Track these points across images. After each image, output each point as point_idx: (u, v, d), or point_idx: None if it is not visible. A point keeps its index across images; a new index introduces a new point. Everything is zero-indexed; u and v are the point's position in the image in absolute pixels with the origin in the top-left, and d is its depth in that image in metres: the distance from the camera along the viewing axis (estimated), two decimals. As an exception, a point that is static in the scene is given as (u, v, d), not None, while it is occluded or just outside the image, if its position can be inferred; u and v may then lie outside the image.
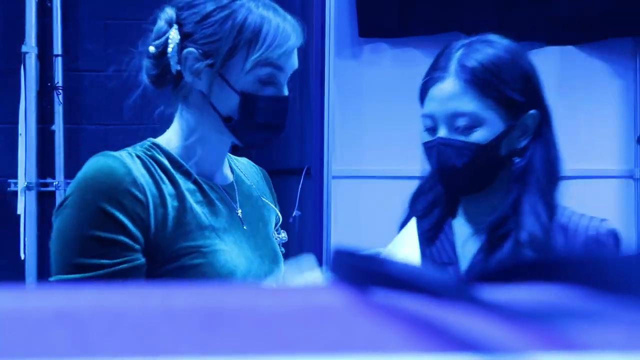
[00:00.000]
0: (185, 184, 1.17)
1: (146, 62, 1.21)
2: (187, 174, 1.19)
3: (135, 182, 1.11)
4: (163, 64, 1.19)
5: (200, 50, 1.16)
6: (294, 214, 3.14)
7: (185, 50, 1.17)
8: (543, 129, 1.18)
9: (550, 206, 1.16)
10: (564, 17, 3.65)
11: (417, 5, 3.54)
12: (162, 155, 1.18)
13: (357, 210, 3.39)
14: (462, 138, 1.13)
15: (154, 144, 1.20)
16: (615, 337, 0.29)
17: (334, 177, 3.12)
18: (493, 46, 1.14)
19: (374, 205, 3.27)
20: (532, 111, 1.16)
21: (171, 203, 1.14)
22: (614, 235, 1.15)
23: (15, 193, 2.87)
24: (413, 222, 1.18)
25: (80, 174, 1.12)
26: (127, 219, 1.09)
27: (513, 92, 1.13)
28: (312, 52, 3.03)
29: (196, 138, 1.21)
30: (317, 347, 0.29)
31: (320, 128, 3.06)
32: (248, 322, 0.30)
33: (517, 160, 1.17)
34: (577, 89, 3.83)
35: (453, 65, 1.13)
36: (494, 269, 0.32)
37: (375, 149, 3.51)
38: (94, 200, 1.09)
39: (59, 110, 2.90)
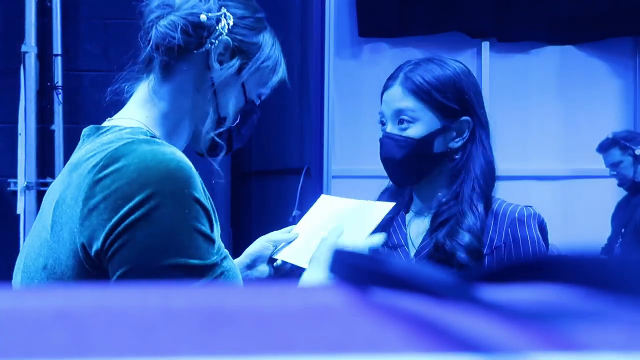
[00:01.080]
0: None
1: (175, 19, 1.09)
2: None
3: (197, 174, 1.01)
4: (197, 36, 1.10)
5: (235, 45, 1.12)
6: (293, 213, 3.14)
7: (223, 37, 1.11)
8: (478, 134, 1.38)
9: (485, 197, 1.36)
10: (564, 17, 3.65)
11: (417, 5, 3.54)
12: None
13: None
14: (401, 133, 1.36)
15: (152, 134, 1.09)
16: (615, 337, 0.29)
17: (333, 177, 3.12)
18: (437, 64, 1.38)
19: (373, 205, 3.27)
20: (465, 117, 1.36)
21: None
22: (537, 218, 1.35)
23: (15, 193, 2.87)
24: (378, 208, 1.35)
25: (155, 163, 0.96)
26: (210, 211, 1.01)
27: (447, 100, 1.35)
28: (312, 52, 3.03)
29: (173, 126, 1.13)
30: (317, 347, 0.29)
31: (320, 128, 3.06)
32: (248, 322, 0.30)
33: (456, 157, 1.38)
34: (577, 89, 3.83)
35: (400, 76, 1.37)
36: (494, 269, 0.32)
37: (374, 148, 3.50)
38: (191, 194, 0.97)
39: (58, 110, 2.90)
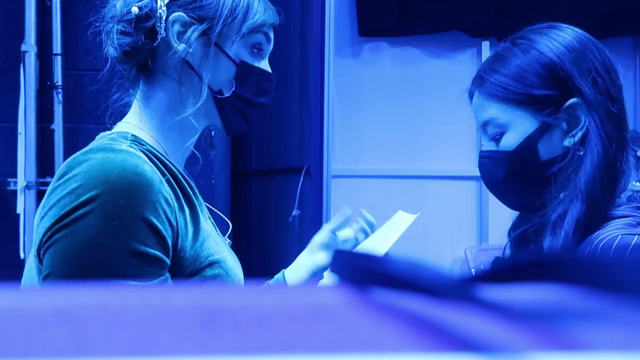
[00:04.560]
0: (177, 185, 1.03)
1: (119, 27, 1.05)
2: (172, 172, 1.03)
3: (161, 182, 0.96)
4: (143, 30, 1.05)
5: (191, 15, 1.04)
6: (293, 213, 3.14)
7: (172, 15, 1.04)
8: (590, 120, 1.04)
9: (586, 217, 1.02)
10: (563, 17, 3.65)
11: (417, 4, 3.53)
12: (147, 150, 1.02)
13: (356, 209, 3.38)
14: (496, 148, 1.08)
15: (134, 136, 1.03)
16: (615, 337, 0.29)
17: (333, 176, 3.12)
18: (521, 47, 1.09)
19: (373, 204, 3.27)
20: (571, 100, 1.04)
21: (186, 206, 1.01)
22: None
23: (15, 192, 2.87)
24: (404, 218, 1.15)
25: (98, 173, 0.92)
26: (164, 229, 0.94)
27: (535, 88, 1.05)
28: (312, 52, 3.03)
29: (170, 125, 1.08)
30: (317, 347, 0.29)
31: (320, 127, 3.06)
32: (248, 322, 0.30)
33: (580, 153, 1.04)
34: (576, 89, 3.83)
35: (477, 78, 1.12)
36: (494, 269, 0.32)
37: (374, 148, 3.51)
38: (130, 207, 0.90)
39: (58, 109, 2.90)
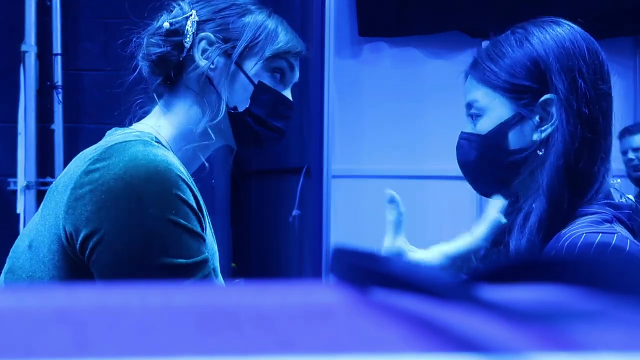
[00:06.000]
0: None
1: (151, 39, 1.15)
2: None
3: (188, 178, 1.02)
4: (172, 44, 1.14)
5: (217, 36, 1.13)
6: (293, 213, 3.14)
7: (200, 34, 1.13)
8: (562, 117, 1.04)
9: (549, 219, 1.02)
10: (563, 17, 3.65)
11: (417, 4, 3.54)
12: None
13: (356, 209, 3.39)
14: (472, 130, 1.09)
15: (156, 139, 1.09)
16: (615, 337, 0.29)
17: (333, 176, 3.12)
18: (518, 35, 1.11)
19: (373, 204, 3.27)
20: (547, 96, 1.04)
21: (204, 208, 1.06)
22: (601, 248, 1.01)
23: (15, 192, 2.87)
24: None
25: (145, 162, 0.97)
26: (198, 212, 1.00)
27: (517, 78, 1.06)
28: (312, 52, 3.03)
29: (185, 136, 1.14)
30: (316, 347, 0.29)
31: (320, 127, 3.06)
32: (248, 322, 0.30)
33: (541, 152, 1.05)
34: (576, 89, 3.84)
35: (471, 62, 1.13)
36: (494, 269, 0.32)
37: (374, 148, 3.51)
38: (170, 188, 0.96)
39: (58, 109, 2.90)
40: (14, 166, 2.87)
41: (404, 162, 3.52)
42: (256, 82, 1.14)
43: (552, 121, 1.04)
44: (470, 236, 1.06)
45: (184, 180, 0.99)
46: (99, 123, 2.90)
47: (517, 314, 0.29)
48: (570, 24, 1.13)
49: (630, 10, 3.63)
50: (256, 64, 1.14)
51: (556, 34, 1.10)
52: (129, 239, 0.95)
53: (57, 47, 2.91)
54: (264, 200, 3.58)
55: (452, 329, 0.29)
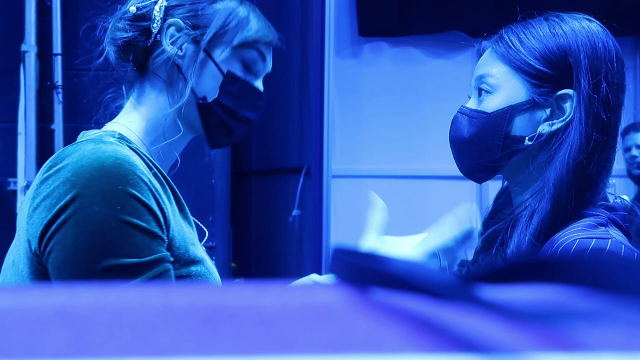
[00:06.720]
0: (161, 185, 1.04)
1: (118, 24, 1.12)
2: (158, 169, 1.06)
3: (150, 174, 0.99)
4: (139, 29, 1.11)
5: (186, 22, 1.10)
6: (293, 213, 3.14)
7: (169, 20, 1.10)
8: (579, 116, 1.00)
9: (552, 217, 0.99)
10: (563, 17, 3.65)
11: (417, 4, 3.54)
12: (132, 148, 1.04)
13: (356, 209, 3.38)
14: (476, 106, 1.05)
15: (120, 134, 1.06)
16: (615, 337, 0.29)
17: (333, 176, 3.12)
18: (551, 21, 1.08)
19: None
20: (565, 90, 1.00)
21: (173, 201, 1.04)
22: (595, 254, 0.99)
23: (15, 192, 2.87)
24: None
25: (91, 161, 0.94)
26: (158, 211, 0.97)
27: (540, 64, 1.02)
28: (312, 52, 3.03)
29: (156, 126, 1.11)
30: (316, 347, 0.29)
31: (320, 127, 3.06)
32: (248, 322, 0.30)
33: (543, 149, 1.02)
34: (576, 89, 3.84)
35: (495, 36, 1.09)
36: (494, 269, 0.32)
37: (374, 148, 3.51)
38: (116, 184, 0.93)
39: (58, 109, 2.90)
40: (14, 166, 2.87)
41: (404, 162, 3.52)
42: (225, 71, 1.11)
43: (565, 117, 1.01)
44: (439, 234, 1.06)
45: (138, 176, 0.95)
46: (99, 123, 2.90)
47: (517, 314, 0.29)
48: (605, 28, 1.09)
49: (630, 10, 3.63)
50: (224, 51, 1.11)
51: (591, 31, 1.05)
52: (74, 240, 0.93)
53: (57, 47, 2.91)
54: (264, 200, 3.58)
55: (452, 329, 0.29)
